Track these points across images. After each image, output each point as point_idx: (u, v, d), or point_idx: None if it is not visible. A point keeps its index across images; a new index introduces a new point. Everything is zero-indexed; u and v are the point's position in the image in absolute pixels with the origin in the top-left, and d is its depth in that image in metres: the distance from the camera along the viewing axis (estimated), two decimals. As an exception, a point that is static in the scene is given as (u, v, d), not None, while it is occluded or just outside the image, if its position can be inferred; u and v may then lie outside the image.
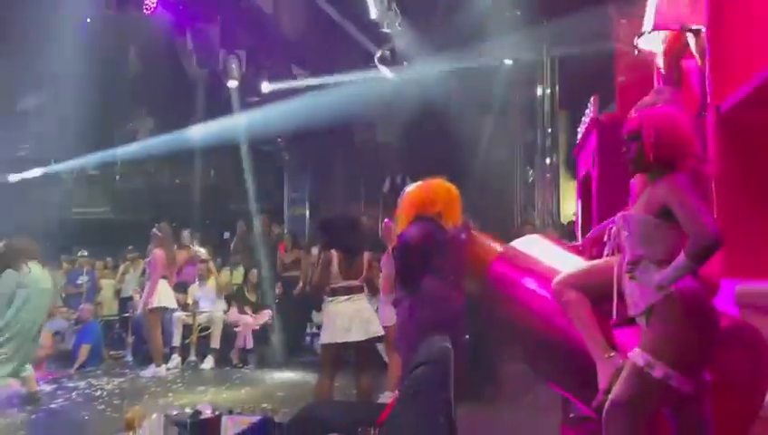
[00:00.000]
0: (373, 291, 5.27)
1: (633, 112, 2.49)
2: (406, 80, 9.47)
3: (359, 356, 4.94)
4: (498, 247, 3.87)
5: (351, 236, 5.01)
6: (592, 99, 3.95)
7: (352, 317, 4.77)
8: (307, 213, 10.76)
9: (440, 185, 3.94)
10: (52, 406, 5.83)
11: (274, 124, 10.70)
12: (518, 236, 3.98)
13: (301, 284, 8.59)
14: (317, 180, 10.57)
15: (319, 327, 7.66)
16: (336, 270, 4.79)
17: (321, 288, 4.90)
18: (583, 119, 4.54)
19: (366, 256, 5.03)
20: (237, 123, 10.01)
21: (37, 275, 5.77)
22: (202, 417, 3.15)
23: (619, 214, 2.52)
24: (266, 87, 10.31)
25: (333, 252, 4.84)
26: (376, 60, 9.09)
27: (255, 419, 3.62)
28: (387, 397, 5.39)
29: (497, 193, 8.26)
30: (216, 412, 3.26)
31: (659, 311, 2.28)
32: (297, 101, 10.08)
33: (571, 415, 3.51)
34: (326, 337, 4.81)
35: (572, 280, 2.71)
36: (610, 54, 5.13)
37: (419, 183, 3.98)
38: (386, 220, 6.13)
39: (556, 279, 2.80)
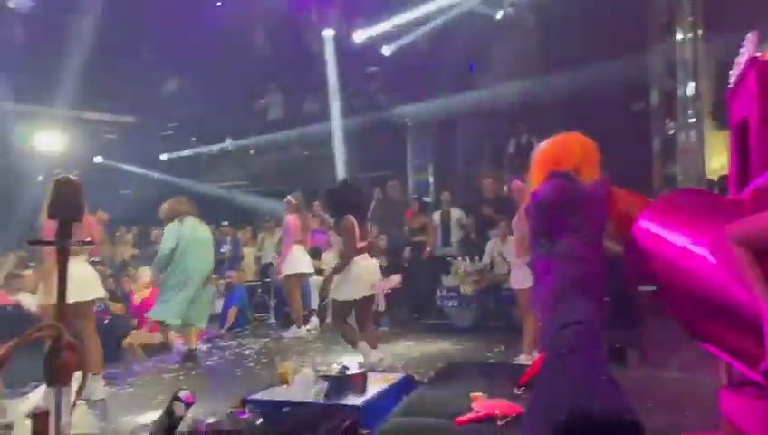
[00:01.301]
0: (376, 253, 5.78)
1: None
2: (529, 33, 9.11)
3: (367, 308, 5.44)
4: (642, 203, 3.66)
5: (360, 202, 5.57)
6: (750, 36, 3.55)
7: (372, 272, 5.34)
8: (431, 178, 10.77)
9: (574, 139, 3.76)
10: (209, 363, 6.37)
11: (396, 90, 10.79)
12: (658, 193, 3.74)
13: (429, 248, 8.73)
14: (440, 144, 10.52)
15: (449, 290, 7.74)
16: (357, 233, 5.23)
17: (355, 250, 5.26)
18: (737, 60, 4.11)
19: (367, 221, 5.56)
20: (362, 93, 10.15)
21: (194, 226, 6.39)
22: (349, 373, 3.29)
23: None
24: (386, 51, 10.39)
25: (352, 217, 5.24)
26: (497, 18, 8.82)
27: (397, 377, 3.75)
28: (523, 359, 5.36)
29: (634, 148, 7.76)
30: (362, 369, 3.39)
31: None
32: (417, 65, 10.05)
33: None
34: (359, 291, 5.21)
35: (735, 234, 2.50)
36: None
37: (552, 138, 3.82)
38: (515, 180, 6.00)
39: (716, 234, 2.60)
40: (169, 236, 6.27)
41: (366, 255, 5.35)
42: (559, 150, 3.70)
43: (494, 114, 10.04)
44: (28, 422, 4.14)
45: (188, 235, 6.33)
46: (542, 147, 3.81)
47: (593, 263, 3.65)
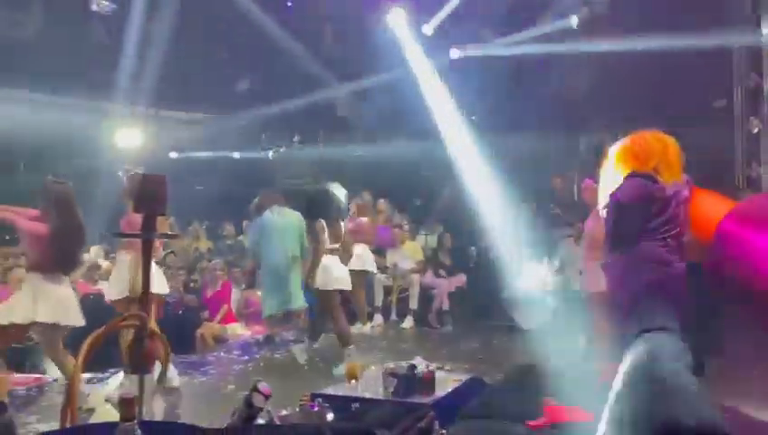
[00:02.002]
0: (349, 253, 6.58)
1: None
2: (604, 29, 8.84)
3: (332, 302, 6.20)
4: (726, 206, 3.48)
5: (333, 208, 6.27)
6: None
7: (340, 269, 6.16)
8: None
9: (654, 136, 3.59)
10: (276, 356, 6.50)
11: (463, 90, 10.66)
12: (741, 195, 3.56)
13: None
14: (507, 142, 10.32)
15: (516, 291, 7.60)
16: (326, 235, 6.01)
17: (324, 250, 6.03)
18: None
19: (341, 223, 6.27)
20: (430, 91, 10.10)
21: (274, 215, 6.77)
22: (417, 371, 3.28)
23: None
24: (455, 54, 10.28)
25: (323, 221, 6.02)
26: (574, 24, 8.61)
27: (466, 377, 3.71)
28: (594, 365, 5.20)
29: (715, 147, 7.40)
30: (430, 368, 3.37)
31: None
32: (486, 64, 9.91)
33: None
34: (328, 284, 6.02)
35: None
36: None
37: (631, 136, 3.69)
38: (587, 180, 5.81)
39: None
40: (251, 232, 6.67)
41: (335, 256, 6.14)
42: (638, 149, 3.55)
43: (564, 111, 9.80)
44: (107, 407, 4.36)
45: (268, 225, 6.65)
46: (620, 145, 3.66)
47: (674, 267, 3.50)
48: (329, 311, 6.13)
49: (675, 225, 3.52)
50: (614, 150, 3.75)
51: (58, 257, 4.25)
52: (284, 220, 6.86)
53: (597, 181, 5.34)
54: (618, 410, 2.14)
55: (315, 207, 6.22)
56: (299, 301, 6.98)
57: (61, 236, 4.22)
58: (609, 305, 3.88)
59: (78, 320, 4.38)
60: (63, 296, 4.32)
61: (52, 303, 4.21)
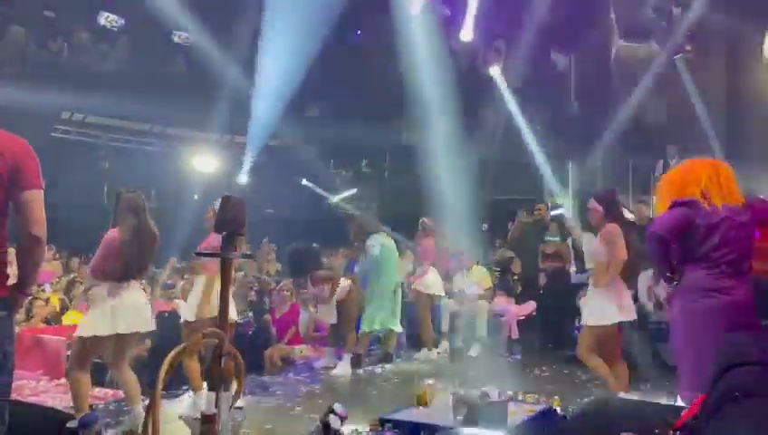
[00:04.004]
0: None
1: None
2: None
3: None
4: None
5: (313, 264, 6.88)
6: None
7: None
8: (569, 203, 10.36)
9: (702, 162, 3.62)
10: (342, 380, 6.49)
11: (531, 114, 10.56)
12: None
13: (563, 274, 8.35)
14: (579, 168, 10.11)
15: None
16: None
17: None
18: None
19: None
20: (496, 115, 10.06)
21: (388, 240, 7.19)
22: (490, 399, 3.20)
23: None
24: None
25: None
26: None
27: (539, 407, 3.59)
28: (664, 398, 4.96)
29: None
30: (502, 397, 3.28)
31: None
32: (552, 86, 9.80)
33: None
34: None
35: None
36: None
37: (680, 164, 3.72)
38: (591, 200, 5.33)
39: None
40: (375, 245, 7.00)
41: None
42: (685, 176, 3.55)
43: (640, 134, 9.53)
44: (180, 423, 4.45)
45: (387, 250, 7.01)
46: (669, 173, 3.70)
47: (730, 294, 3.33)
48: None
49: (729, 250, 3.35)
50: (662, 178, 3.74)
51: (129, 263, 4.30)
52: (392, 245, 7.31)
53: (600, 202, 5.09)
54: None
55: (300, 265, 6.91)
56: (398, 322, 7.35)
57: (132, 242, 4.28)
58: (675, 339, 3.70)
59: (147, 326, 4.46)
60: (138, 304, 4.38)
61: (129, 313, 4.30)
